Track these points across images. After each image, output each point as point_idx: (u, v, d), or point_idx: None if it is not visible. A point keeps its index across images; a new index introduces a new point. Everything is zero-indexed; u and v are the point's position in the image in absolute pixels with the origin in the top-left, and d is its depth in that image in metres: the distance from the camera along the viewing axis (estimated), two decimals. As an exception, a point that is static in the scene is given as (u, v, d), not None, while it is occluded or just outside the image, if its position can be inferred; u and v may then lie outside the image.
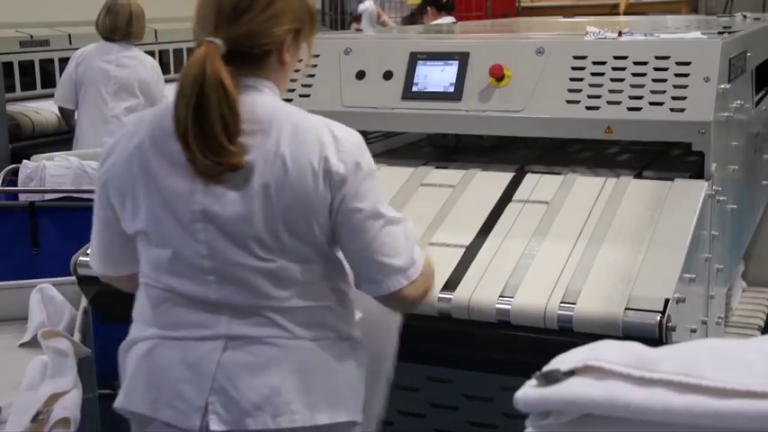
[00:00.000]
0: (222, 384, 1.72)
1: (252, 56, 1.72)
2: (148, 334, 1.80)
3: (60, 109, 5.31)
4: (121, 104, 5.08)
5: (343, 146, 1.73)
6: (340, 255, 1.81)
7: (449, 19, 6.17)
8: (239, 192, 1.69)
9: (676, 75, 2.40)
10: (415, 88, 2.64)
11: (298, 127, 1.72)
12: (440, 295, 2.11)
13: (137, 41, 5.21)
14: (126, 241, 1.85)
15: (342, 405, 1.79)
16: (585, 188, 2.41)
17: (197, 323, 1.75)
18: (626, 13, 7.87)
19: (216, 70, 1.65)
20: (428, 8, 6.23)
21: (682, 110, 2.36)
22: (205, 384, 1.73)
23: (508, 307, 2.05)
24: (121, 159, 1.77)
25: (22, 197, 3.93)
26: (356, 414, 1.82)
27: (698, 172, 2.40)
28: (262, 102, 1.74)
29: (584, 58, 2.51)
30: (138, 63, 5.14)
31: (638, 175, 2.48)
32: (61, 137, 5.91)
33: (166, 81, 5.33)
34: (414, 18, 6.41)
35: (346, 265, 1.82)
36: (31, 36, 6.15)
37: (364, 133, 3.05)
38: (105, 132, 5.07)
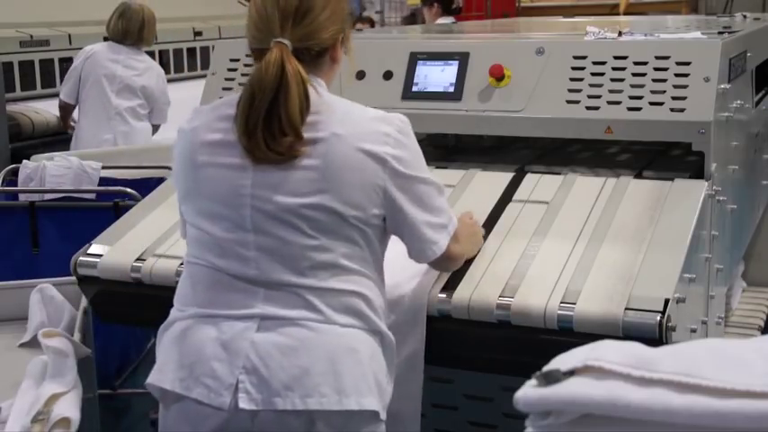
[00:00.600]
0: (254, 363, 1.77)
1: (310, 55, 1.86)
2: (187, 314, 1.87)
3: (61, 104, 5.33)
4: (124, 103, 5.10)
5: (392, 128, 1.86)
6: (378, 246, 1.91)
7: (449, 19, 6.18)
8: (288, 170, 1.80)
9: (676, 75, 2.40)
10: (415, 88, 2.64)
11: (349, 112, 1.86)
12: (440, 295, 2.11)
13: (147, 47, 5.25)
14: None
15: (370, 394, 1.82)
16: (585, 188, 2.41)
17: (234, 302, 1.82)
18: (626, 13, 7.87)
19: (294, 66, 1.79)
20: (435, 4, 6.23)
21: (682, 110, 2.36)
22: (237, 362, 1.78)
23: (508, 307, 2.05)
24: (182, 141, 1.91)
25: (22, 197, 3.93)
26: (382, 407, 1.85)
27: (698, 172, 2.39)
28: (316, 95, 1.86)
29: (584, 58, 2.51)
30: (145, 68, 5.18)
31: (638, 175, 2.48)
32: (61, 137, 5.91)
33: (167, 81, 5.35)
34: (414, 17, 6.41)
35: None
36: (31, 36, 6.15)
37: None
38: (106, 129, 5.09)
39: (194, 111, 1.97)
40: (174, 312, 1.92)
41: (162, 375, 1.86)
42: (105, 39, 5.31)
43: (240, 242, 1.83)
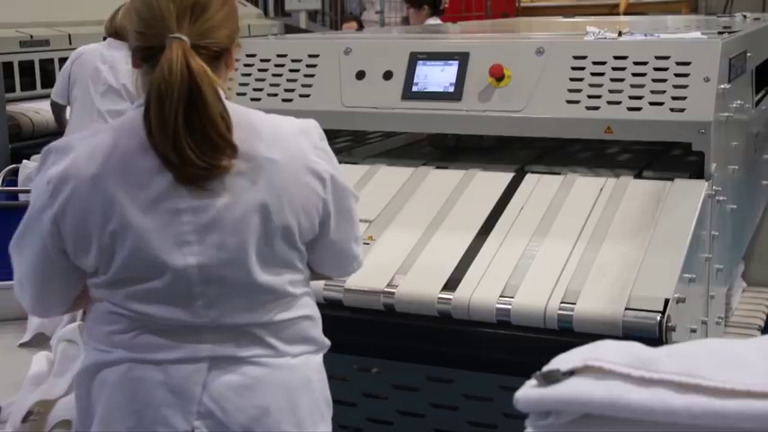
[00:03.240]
0: (209, 407, 1.64)
1: (208, 56, 1.64)
2: (116, 357, 1.66)
3: (53, 104, 5.32)
4: (108, 105, 5.07)
5: (315, 138, 1.73)
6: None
7: (436, 20, 6.19)
8: (230, 198, 1.62)
9: (676, 75, 2.40)
10: (414, 88, 2.64)
11: (269, 129, 1.69)
12: (440, 295, 2.11)
13: None
14: (66, 279, 1.70)
15: (322, 420, 1.78)
16: (585, 188, 2.41)
17: (176, 346, 1.65)
18: (626, 13, 7.87)
19: (201, 65, 1.59)
20: (425, 6, 6.23)
21: (682, 110, 2.36)
22: (191, 408, 1.64)
23: (508, 307, 2.05)
24: (79, 193, 1.62)
25: (22, 197, 3.92)
26: (330, 427, 1.81)
27: (698, 172, 2.39)
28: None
29: (584, 58, 2.51)
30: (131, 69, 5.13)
31: (638, 175, 2.48)
32: (61, 137, 5.90)
33: None
34: (408, 11, 6.41)
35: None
36: (31, 36, 6.15)
37: (364, 133, 3.08)
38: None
39: (74, 153, 1.64)
40: (93, 355, 1.69)
41: (109, 427, 1.67)
42: (104, 38, 5.31)
43: (183, 295, 1.63)
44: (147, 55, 1.64)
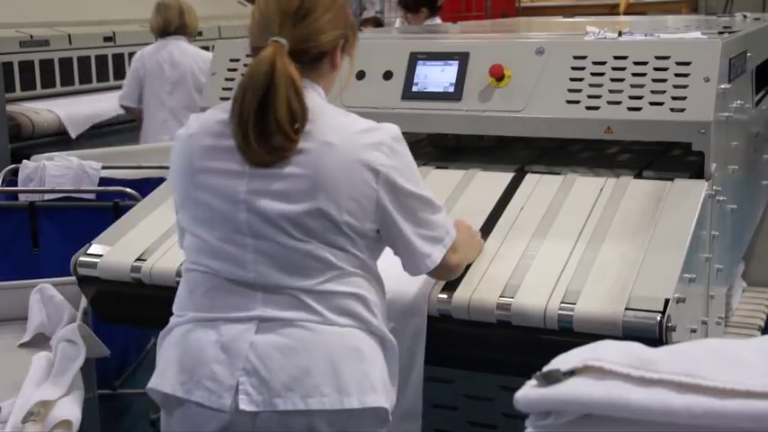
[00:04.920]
0: (254, 364, 1.78)
1: (309, 58, 1.85)
2: (185, 318, 1.87)
3: (123, 107, 5.45)
4: (176, 102, 5.19)
5: (386, 136, 1.86)
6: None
7: (436, 20, 6.18)
8: (282, 176, 1.80)
9: (676, 75, 2.40)
10: (414, 88, 2.64)
11: (341, 121, 1.86)
12: (440, 295, 2.11)
13: (191, 36, 5.30)
14: None
15: (371, 392, 1.82)
16: (585, 188, 2.41)
17: (232, 305, 1.82)
18: (626, 13, 7.87)
19: (285, 65, 1.78)
20: (423, 9, 6.23)
21: (682, 110, 2.36)
22: (237, 364, 1.78)
23: (508, 307, 2.05)
24: (177, 146, 1.91)
25: (22, 197, 3.93)
26: (386, 401, 1.85)
27: (698, 172, 2.39)
28: (311, 99, 1.84)
29: (584, 58, 2.51)
30: (190, 59, 5.22)
31: (638, 175, 2.48)
32: (61, 137, 5.91)
33: None
34: (406, 16, 6.38)
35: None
36: (31, 36, 6.15)
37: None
38: (163, 130, 5.16)
39: (192, 117, 1.96)
40: (172, 319, 1.92)
41: (163, 380, 1.86)
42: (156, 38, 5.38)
43: (237, 246, 1.82)
44: (255, 54, 1.86)
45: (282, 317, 1.80)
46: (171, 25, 5.24)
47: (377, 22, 8.42)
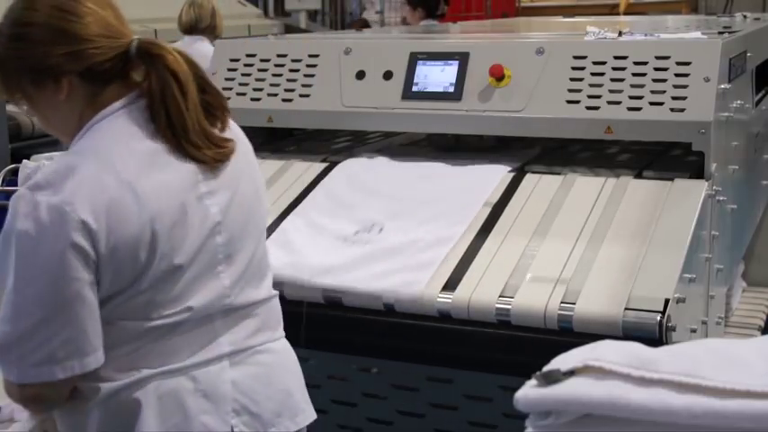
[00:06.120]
0: (242, 403, 1.68)
1: None
2: (141, 377, 1.60)
3: None
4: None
5: None
6: None
7: (432, 22, 6.18)
8: (233, 177, 1.69)
9: (676, 75, 2.40)
10: (415, 88, 2.64)
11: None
12: (440, 295, 2.11)
13: (216, 37, 5.31)
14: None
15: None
16: (585, 188, 2.41)
17: (197, 345, 1.64)
18: (626, 13, 7.87)
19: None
20: (419, 8, 6.24)
21: (682, 110, 2.36)
22: (226, 408, 1.66)
23: (508, 307, 2.05)
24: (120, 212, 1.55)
25: (21, 197, 3.92)
26: None
27: (698, 172, 2.39)
28: None
29: (584, 58, 2.51)
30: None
31: (638, 175, 2.48)
32: (61, 137, 5.89)
33: None
34: (404, 19, 6.40)
35: None
36: (32, 36, 6.14)
37: (364, 133, 3.07)
38: None
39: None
40: (104, 387, 1.58)
41: None
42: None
43: (216, 270, 1.65)
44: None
45: (248, 345, 1.71)
46: (202, 23, 5.27)
47: (364, 24, 8.48)
